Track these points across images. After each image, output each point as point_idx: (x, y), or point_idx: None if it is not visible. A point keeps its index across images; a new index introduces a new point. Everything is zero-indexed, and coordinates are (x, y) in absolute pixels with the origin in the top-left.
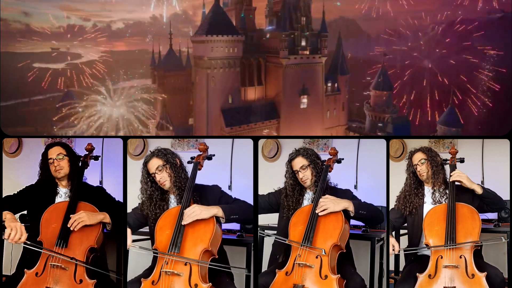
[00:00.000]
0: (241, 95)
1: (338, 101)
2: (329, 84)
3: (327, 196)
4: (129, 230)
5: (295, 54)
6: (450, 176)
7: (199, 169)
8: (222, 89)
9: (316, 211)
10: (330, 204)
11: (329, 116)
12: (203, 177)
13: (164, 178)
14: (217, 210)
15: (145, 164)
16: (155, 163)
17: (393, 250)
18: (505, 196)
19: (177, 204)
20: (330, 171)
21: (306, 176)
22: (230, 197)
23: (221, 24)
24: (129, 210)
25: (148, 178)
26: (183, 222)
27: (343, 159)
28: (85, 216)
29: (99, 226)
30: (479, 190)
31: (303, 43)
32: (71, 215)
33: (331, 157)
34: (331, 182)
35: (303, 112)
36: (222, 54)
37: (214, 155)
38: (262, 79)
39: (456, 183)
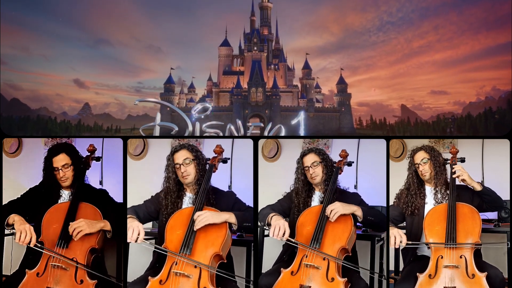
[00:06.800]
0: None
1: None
2: (272, 65)
3: (336, 203)
4: (139, 223)
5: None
6: (452, 172)
7: (214, 172)
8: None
9: (327, 214)
10: (340, 208)
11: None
12: None
13: (187, 172)
14: (229, 216)
15: (172, 154)
16: (184, 154)
17: (401, 242)
18: (505, 196)
19: (190, 204)
20: (340, 173)
21: (316, 172)
22: (244, 204)
23: None
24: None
25: (173, 168)
26: (195, 228)
27: (353, 162)
28: (84, 225)
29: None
30: (478, 187)
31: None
32: (70, 223)
33: (342, 159)
34: (342, 185)
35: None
36: None
37: (229, 158)
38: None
39: (457, 180)
